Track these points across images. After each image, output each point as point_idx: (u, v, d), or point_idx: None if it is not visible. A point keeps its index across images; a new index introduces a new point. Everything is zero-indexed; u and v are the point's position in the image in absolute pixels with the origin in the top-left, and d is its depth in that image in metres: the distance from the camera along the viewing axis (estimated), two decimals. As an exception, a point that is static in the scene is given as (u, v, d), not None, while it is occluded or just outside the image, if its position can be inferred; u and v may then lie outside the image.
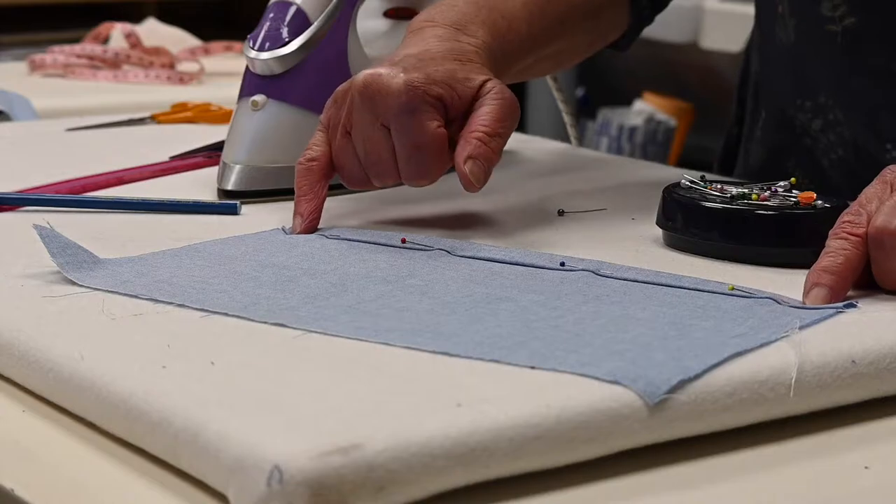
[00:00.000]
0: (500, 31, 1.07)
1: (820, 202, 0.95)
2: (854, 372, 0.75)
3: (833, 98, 1.16)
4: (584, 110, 3.61)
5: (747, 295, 0.85)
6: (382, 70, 0.98)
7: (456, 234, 0.98)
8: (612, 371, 0.70)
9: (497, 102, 0.99)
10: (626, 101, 3.62)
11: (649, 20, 1.25)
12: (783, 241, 0.94)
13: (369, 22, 1.25)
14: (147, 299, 0.83)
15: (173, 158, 1.23)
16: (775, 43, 1.21)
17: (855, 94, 1.15)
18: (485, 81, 1.00)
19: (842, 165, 1.17)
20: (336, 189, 1.07)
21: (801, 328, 0.77)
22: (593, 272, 0.89)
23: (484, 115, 0.98)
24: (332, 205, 1.04)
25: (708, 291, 0.86)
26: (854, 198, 0.89)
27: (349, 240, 0.97)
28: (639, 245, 0.99)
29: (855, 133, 1.15)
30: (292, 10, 1.11)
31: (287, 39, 1.10)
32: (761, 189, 0.97)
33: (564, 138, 1.47)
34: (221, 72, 1.81)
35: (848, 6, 1.13)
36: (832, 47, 1.15)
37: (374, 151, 0.99)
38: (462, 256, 0.93)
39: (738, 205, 0.95)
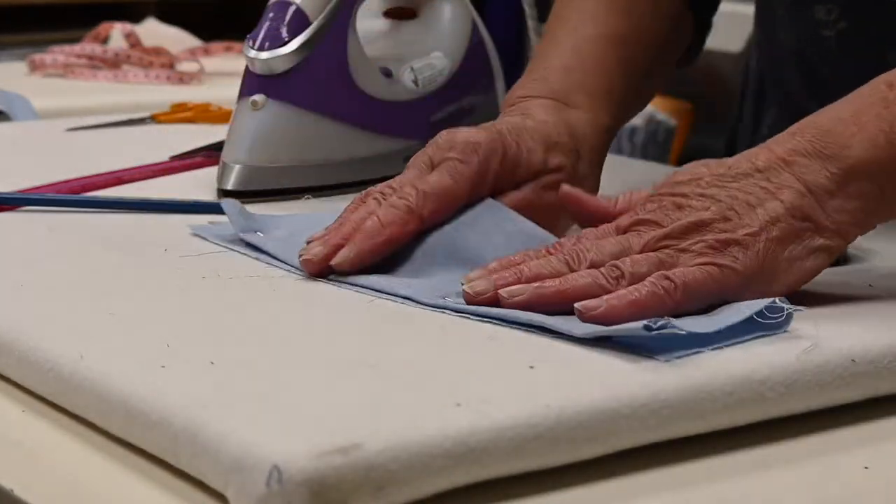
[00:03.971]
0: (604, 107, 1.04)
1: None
2: (854, 371, 0.75)
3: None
4: (584, 110, 3.60)
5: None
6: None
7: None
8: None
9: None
10: (627, 101, 3.61)
11: (710, 27, 1.20)
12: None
13: (369, 22, 1.25)
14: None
15: (173, 158, 1.23)
16: (779, 44, 1.21)
17: None
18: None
19: None
20: (341, 187, 1.07)
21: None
22: None
23: None
24: (330, 204, 1.03)
25: None
26: None
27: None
28: (639, 245, 0.98)
29: None
30: (292, 9, 1.11)
31: (287, 39, 1.10)
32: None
33: (565, 138, 1.46)
34: (221, 72, 1.81)
35: (840, 10, 1.13)
36: (829, 51, 1.15)
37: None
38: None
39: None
